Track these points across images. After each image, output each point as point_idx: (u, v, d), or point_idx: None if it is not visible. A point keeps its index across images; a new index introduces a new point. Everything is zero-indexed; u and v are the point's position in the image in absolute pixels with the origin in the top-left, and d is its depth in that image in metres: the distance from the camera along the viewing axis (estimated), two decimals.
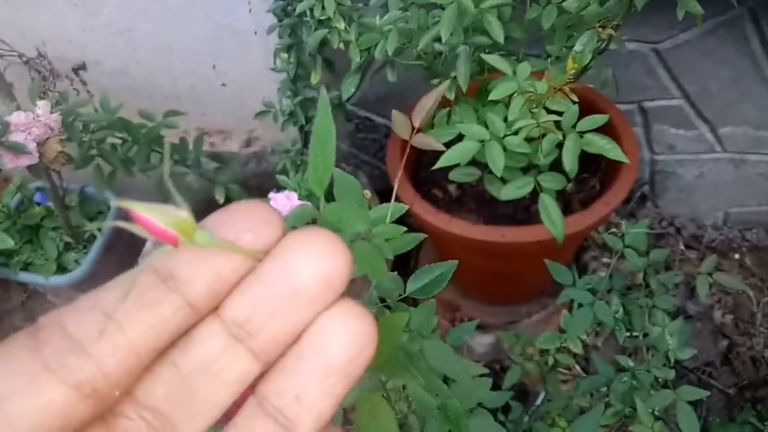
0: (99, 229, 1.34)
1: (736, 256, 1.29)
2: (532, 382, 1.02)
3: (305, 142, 1.24)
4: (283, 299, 0.17)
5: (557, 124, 0.67)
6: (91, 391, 0.16)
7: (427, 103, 0.37)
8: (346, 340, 0.17)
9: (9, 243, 1.25)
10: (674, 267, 1.25)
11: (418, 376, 0.34)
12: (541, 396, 1.01)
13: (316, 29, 0.94)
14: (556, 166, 0.80)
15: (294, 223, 0.37)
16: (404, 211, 0.39)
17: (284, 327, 0.18)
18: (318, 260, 0.17)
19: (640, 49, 1.09)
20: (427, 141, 0.37)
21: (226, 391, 0.18)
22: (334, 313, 0.18)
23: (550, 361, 0.72)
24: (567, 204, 0.97)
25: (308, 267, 0.17)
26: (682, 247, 1.29)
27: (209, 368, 0.18)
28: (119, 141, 1.06)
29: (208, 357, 0.18)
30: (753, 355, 1.13)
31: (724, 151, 1.21)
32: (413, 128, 0.37)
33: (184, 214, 0.17)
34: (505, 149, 0.70)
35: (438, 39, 0.78)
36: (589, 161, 0.97)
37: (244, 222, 0.18)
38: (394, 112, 0.37)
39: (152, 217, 0.17)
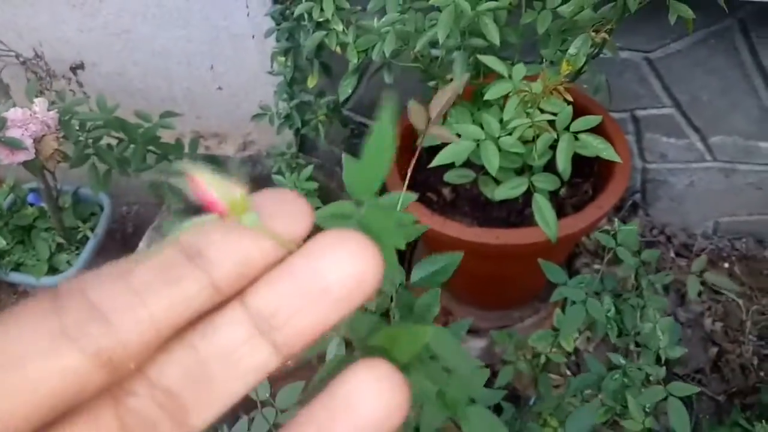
0: (92, 230, 1.33)
1: (726, 265, 1.30)
2: (524, 386, 1.02)
3: (301, 146, 1.25)
4: (312, 296, 0.17)
5: (551, 124, 0.68)
6: (108, 360, 0.16)
7: (444, 97, 0.37)
8: (378, 402, 0.17)
9: (0, 243, 1.25)
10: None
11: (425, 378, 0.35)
12: (533, 400, 1.01)
13: (313, 32, 0.95)
14: (550, 168, 0.81)
15: (324, 222, 0.37)
16: (413, 200, 0.40)
17: (310, 324, 0.18)
18: (351, 261, 0.17)
19: (633, 58, 1.11)
20: (442, 133, 0.38)
21: (243, 382, 0.18)
22: (370, 373, 0.18)
23: (543, 359, 0.73)
24: (560, 208, 0.98)
25: (341, 267, 0.17)
26: (672, 255, 1.30)
27: (229, 356, 0.18)
28: (115, 141, 1.06)
29: (230, 344, 0.18)
30: (742, 363, 1.14)
31: (714, 161, 1.23)
32: (428, 119, 0.37)
33: (240, 192, 0.17)
34: (500, 149, 0.71)
35: (435, 42, 0.79)
36: (582, 166, 0.98)
37: (278, 209, 0.18)
38: (411, 103, 0.38)
39: (210, 186, 0.17)
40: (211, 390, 0.18)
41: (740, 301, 1.22)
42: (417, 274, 0.42)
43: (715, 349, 1.16)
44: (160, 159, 1.11)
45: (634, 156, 1.26)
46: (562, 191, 1.00)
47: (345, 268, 0.17)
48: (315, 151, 1.36)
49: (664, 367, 0.61)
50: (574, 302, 0.64)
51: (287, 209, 0.18)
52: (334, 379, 0.18)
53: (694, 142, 1.21)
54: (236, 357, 0.18)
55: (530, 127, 0.67)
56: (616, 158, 0.69)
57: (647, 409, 0.58)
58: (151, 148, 1.09)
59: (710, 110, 1.16)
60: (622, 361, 0.63)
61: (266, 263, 0.18)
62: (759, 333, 1.18)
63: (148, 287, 0.17)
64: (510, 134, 0.69)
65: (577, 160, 0.81)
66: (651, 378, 0.61)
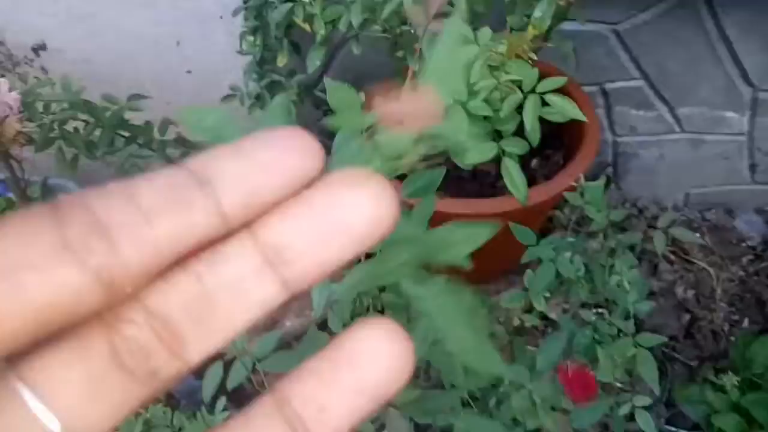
0: None
1: (697, 235, 1.32)
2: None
3: None
4: (330, 232, 0.17)
5: (518, 86, 0.69)
6: (109, 279, 0.15)
7: None
8: (385, 364, 0.17)
9: None
10: (636, 247, 1.28)
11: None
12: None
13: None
14: (520, 136, 0.82)
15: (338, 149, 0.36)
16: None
17: (324, 260, 0.17)
18: (370, 202, 0.17)
19: (600, 31, 1.12)
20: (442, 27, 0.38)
21: (248, 315, 0.17)
22: (377, 331, 0.17)
23: (516, 322, 0.73)
24: (532, 180, 0.98)
25: (361, 206, 0.17)
26: (644, 227, 1.32)
27: (235, 287, 0.17)
28: (82, 124, 1.05)
29: (237, 275, 0.17)
30: (713, 329, 1.17)
31: (682, 132, 1.25)
32: (428, 19, 0.37)
33: None
34: (468, 114, 0.71)
35: (401, 15, 0.79)
36: (552, 138, 0.99)
37: (290, 144, 0.17)
38: (409, 4, 0.37)
39: None
40: (212, 322, 0.17)
41: (711, 270, 1.24)
42: (408, 188, 0.42)
43: (687, 317, 1.18)
44: (128, 142, 1.09)
45: (604, 130, 1.28)
46: (534, 163, 1.01)
47: (364, 208, 0.17)
48: None
49: (632, 320, 0.62)
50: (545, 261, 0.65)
51: (299, 145, 0.17)
52: (341, 334, 0.17)
53: (663, 114, 1.23)
54: (243, 288, 0.17)
55: (496, 89, 0.68)
56: (581, 116, 0.69)
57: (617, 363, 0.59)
58: (119, 131, 1.07)
59: (678, 81, 1.18)
60: (593, 318, 0.63)
61: (276, 197, 0.17)
62: (729, 300, 1.21)
63: (155, 208, 0.16)
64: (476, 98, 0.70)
65: (548, 132, 0.81)
66: (621, 333, 0.62)
